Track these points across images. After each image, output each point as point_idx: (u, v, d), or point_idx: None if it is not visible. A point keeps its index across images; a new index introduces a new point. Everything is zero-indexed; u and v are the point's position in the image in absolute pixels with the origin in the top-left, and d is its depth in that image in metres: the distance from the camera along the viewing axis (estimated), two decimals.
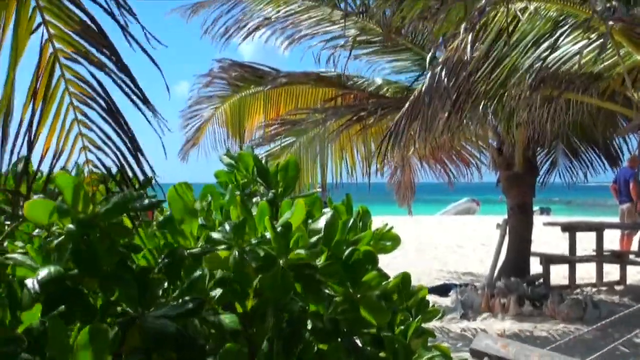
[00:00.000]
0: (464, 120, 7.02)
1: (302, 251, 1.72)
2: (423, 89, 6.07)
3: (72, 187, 1.60)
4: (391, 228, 2.23)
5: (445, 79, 5.60)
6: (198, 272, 1.78)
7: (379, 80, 10.63)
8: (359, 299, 1.86)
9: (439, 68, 5.73)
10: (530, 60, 5.79)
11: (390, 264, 13.59)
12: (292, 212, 1.82)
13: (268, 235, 1.73)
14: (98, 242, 1.58)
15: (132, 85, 1.88)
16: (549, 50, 5.70)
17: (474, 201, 41.10)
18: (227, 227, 1.73)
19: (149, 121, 1.90)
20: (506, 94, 6.43)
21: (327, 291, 1.88)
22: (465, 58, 5.26)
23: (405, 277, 2.20)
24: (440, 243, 18.80)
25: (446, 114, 6.13)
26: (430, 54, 6.17)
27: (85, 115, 2.08)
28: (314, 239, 1.75)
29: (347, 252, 1.87)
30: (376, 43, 10.42)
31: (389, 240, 2.20)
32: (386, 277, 2.12)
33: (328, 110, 9.42)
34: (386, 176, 12.75)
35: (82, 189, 1.62)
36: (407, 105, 6.42)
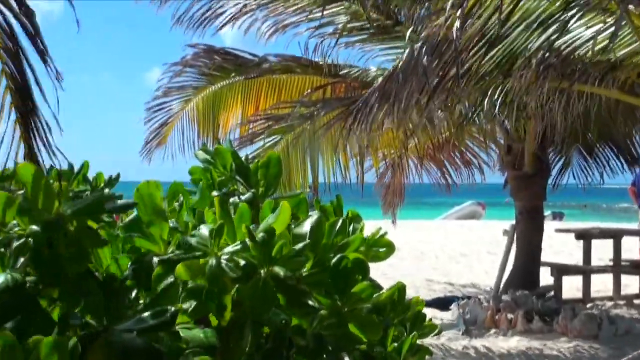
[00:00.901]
0: (466, 114, 7.04)
1: (280, 270, 1.73)
2: (399, 65, 6.04)
3: (36, 180, 1.58)
4: (385, 233, 2.25)
5: (425, 58, 5.57)
6: (170, 281, 1.79)
7: (373, 69, 10.66)
8: (348, 312, 1.88)
9: (419, 45, 5.70)
10: (536, 44, 5.80)
11: (386, 273, 13.68)
12: (275, 215, 1.83)
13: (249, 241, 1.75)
14: (64, 249, 1.58)
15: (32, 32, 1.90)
16: (557, 34, 5.72)
17: (479, 204, 41.32)
18: (204, 231, 1.75)
19: (51, 75, 1.93)
20: (509, 82, 6.44)
21: (311, 303, 1.90)
22: (453, 36, 5.23)
23: (399, 288, 2.23)
24: (442, 251, 18.89)
25: (426, 98, 6.09)
26: (409, 30, 6.11)
27: (7, 65, 2.09)
28: (299, 246, 1.77)
29: (334, 259, 1.89)
30: (370, 29, 10.44)
31: (382, 247, 2.23)
32: (379, 287, 2.14)
33: (317, 102, 9.44)
34: (375, 177, 12.76)
35: (47, 183, 1.62)
36: (379, 80, 6.39)
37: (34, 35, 1.99)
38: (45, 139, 2.05)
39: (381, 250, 2.23)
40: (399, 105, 6.13)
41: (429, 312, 9.84)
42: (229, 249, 1.73)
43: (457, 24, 5.36)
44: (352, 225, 2.27)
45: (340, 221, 2.03)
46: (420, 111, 6.70)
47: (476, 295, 10.58)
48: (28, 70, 2.03)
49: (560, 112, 7.42)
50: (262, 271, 1.72)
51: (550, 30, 5.93)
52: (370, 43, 10.61)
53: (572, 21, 5.84)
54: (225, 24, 9.98)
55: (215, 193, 2.16)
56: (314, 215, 1.92)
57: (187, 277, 1.69)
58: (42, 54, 2.00)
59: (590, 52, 5.93)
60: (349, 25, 9.92)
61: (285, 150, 10.33)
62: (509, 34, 6.07)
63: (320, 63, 10.18)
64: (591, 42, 5.82)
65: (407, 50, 6.12)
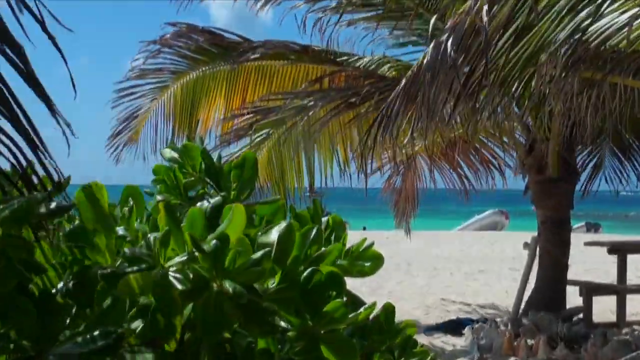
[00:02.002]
0: (481, 107, 7.06)
1: (229, 285, 1.72)
2: (424, 62, 6.09)
3: None
4: (371, 245, 2.25)
5: (453, 51, 5.61)
6: (115, 298, 1.79)
7: (378, 57, 10.66)
8: (322, 334, 1.88)
9: (445, 36, 5.74)
10: (565, 33, 5.83)
11: (393, 292, 13.67)
12: (228, 220, 1.83)
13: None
14: None
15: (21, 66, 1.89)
16: (589, 20, 5.74)
17: (502, 213, 41.36)
18: (150, 240, 1.75)
19: (56, 119, 1.92)
20: (535, 75, 6.47)
21: (283, 324, 1.90)
22: (482, 23, 5.26)
23: (387, 309, 2.23)
24: (458, 266, 18.91)
25: (454, 98, 6.14)
26: (433, 20, 6.12)
27: None
28: (257, 254, 1.77)
29: (305, 273, 1.89)
30: (377, 6, 10.45)
31: (368, 260, 2.22)
32: (360, 304, 2.13)
33: (313, 94, 9.45)
34: (383, 180, 12.78)
35: None
36: (402, 82, 6.44)
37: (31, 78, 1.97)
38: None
39: (367, 263, 2.22)
40: (427, 109, 6.16)
41: (439, 337, 9.86)
42: (177, 259, 1.73)
43: (485, 7, 5.38)
44: (333, 234, 2.27)
45: (315, 229, 2.02)
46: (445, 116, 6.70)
47: (494, 317, 10.58)
48: None
49: (590, 107, 7.43)
50: (214, 284, 1.72)
51: (581, 15, 5.95)
52: (377, 21, 10.59)
53: (604, 5, 5.86)
54: None
55: (159, 197, 2.16)
56: (282, 223, 1.92)
57: (129, 292, 1.69)
58: (49, 104, 1.99)
59: (625, 41, 5.93)
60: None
61: (276, 147, 10.35)
62: (538, 22, 6.09)
63: (317, 48, 10.18)
64: (626, 29, 5.83)
65: (431, 45, 6.16)
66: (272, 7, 10.23)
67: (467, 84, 6.19)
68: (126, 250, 1.74)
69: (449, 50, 5.69)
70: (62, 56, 2.03)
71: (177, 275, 1.65)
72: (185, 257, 1.69)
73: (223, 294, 1.66)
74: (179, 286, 1.63)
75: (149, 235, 1.80)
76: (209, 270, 1.67)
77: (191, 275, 1.66)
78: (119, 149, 10.86)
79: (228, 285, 1.66)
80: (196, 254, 1.68)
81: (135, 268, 1.68)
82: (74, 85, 2.12)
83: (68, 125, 2.02)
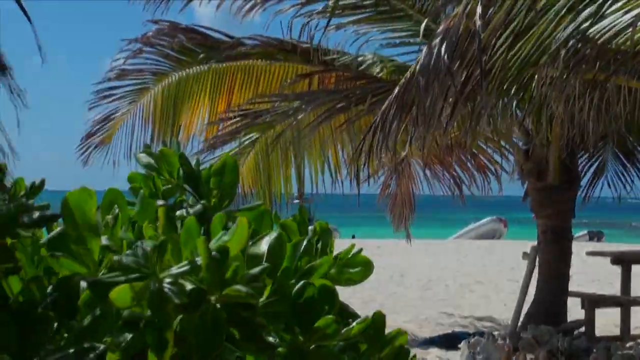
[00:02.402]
0: (478, 112, 7.11)
1: (241, 287, 1.74)
2: (417, 69, 6.15)
3: None
4: (360, 250, 2.27)
5: (446, 56, 5.66)
6: (99, 310, 1.80)
7: (369, 57, 10.69)
8: (313, 350, 1.90)
9: (438, 41, 5.80)
10: (565, 33, 5.88)
11: (385, 304, 13.65)
12: (232, 232, 1.84)
13: (198, 261, 1.75)
14: None
15: None
16: (590, 21, 5.79)
17: (501, 221, 41.39)
18: (146, 248, 1.76)
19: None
20: (535, 77, 6.51)
21: (270, 339, 1.92)
22: (475, 27, 5.32)
23: (377, 318, 2.25)
24: (453, 277, 18.93)
25: (451, 105, 6.20)
26: (424, 23, 6.19)
27: None
28: (256, 270, 1.78)
29: (297, 287, 1.91)
30: (366, 8, 10.48)
31: (357, 267, 2.24)
32: (353, 316, 2.16)
33: (302, 96, 9.47)
34: (379, 186, 12.81)
35: None
36: (396, 90, 6.50)
37: None
38: None
39: (355, 270, 2.24)
40: (423, 117, 6.20)
41: (433, 352, 9.88)
42: (174, 270, 1.73)
43: (479, 10, 5.43)
44: (320, 241, 2.29)
45: (306, 241, 2.05)
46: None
47: (491, 331, 10.59)
48: None
49: (593, 109, 7.47)
50: (212, 298, 1.73)
51: (582, 15, 5.99)
52: (367, 24, 10.64)
53: (606, 5, 5.91)
54: None
55: (160, 202, 2.16)
56: (272, 233, 1.94)
57: (124, 304, 1.69)
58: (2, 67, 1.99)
59: (629, 42, 5.98)
60: (340, 3, 9.95)
61: (263, 152, 10.36)
62: (536, 23, 6.14)
63: (306, 46, 10.19)
64: (630, 29, 5.88)
65: (424, 50, 6.21)
66: (259, 12, 10.22)
67: (463, 90, 6.24)
68: (116, 258, 1.75)
69: (442, 55, 5.74)
70: (26, 14, 2.03)
71: (173, 288, 1.66)
72: (185, 268, 1.69)
73: (220, 309, 1.68)
74: (176, 299, 1.64)
75: (139, 243, 1.80)
76: (209, 282, 1.68)
77: (188, 287, 1.67)
78: (89, 149, 10.85)
79: (237, 289, 1.67)
80: (198, 263, 1.69)
81: (128, 277, 1.69)
82: (40, 48, 2.11)
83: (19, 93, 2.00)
